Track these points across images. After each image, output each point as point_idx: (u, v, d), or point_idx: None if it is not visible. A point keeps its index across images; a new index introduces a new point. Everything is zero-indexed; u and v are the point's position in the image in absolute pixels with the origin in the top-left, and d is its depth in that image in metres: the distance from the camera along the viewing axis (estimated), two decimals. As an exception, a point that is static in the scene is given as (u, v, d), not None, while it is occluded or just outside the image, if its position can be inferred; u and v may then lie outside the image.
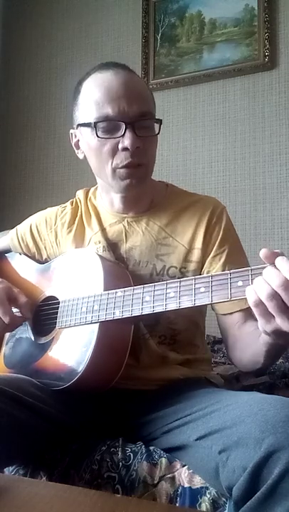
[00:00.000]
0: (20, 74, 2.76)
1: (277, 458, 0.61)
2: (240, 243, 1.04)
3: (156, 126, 0.96)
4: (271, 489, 0.60)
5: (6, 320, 0.95)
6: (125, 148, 0.90)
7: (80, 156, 1.04)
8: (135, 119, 0.90)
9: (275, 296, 0.64)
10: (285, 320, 0.64)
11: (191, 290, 0.75)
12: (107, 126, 0.91)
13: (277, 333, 0.68)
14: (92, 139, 0.94)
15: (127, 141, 0.90)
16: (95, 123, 0.92)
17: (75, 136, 1.02)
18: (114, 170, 0.94)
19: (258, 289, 0.65)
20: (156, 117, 0.98)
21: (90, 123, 0.92)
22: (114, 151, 0.92)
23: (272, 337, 0.71)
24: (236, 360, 0.96)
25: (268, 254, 0.66)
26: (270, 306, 0.64)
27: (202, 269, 0.98)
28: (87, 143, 0.97)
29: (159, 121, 0.95)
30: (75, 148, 1.05)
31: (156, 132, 0.95)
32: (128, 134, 0.90)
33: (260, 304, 0.65)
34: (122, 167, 0.92)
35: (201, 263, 0.98)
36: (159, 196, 1.06)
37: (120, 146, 0.91)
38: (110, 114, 0.90)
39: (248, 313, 0.92)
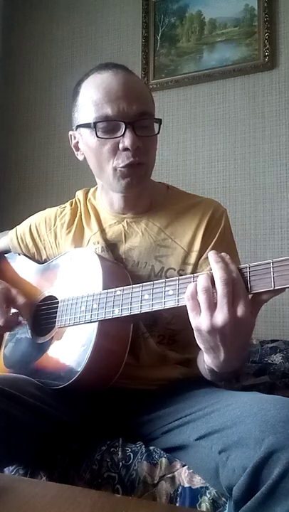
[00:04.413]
0: (20, 74, 2.76)
1: (277, 458, 0.61)
2: (236, 248, 1.02)
3: (156, 125, 0.96)
4: (271, 489, 0.60)
5: (1, 321, 0.95)
6: (126, 148, 0.90)
7: (80, 158, 1.03)
8: (135, 119, 0.90)
9: (208, 290, 0.71)
10: (208, 315, 0.70)
11: (190, 288, 0.75)
12: (107, 126, 0.91)
13: (198, 334, 0.74)
14: (92, 140, 0.93)
15: (127, 141, 0.89)
16: (95, 123, 0.91)
17: (75, 137, 1.02)
18: (114, 169, 0.93)
19: (200, 281, 0.72)
20: (156, 117, 0.98)
21: (90, 123, 0.92)
22: (114, 151, 0.92)
23: (207, 355, 0.77)
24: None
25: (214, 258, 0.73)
26: (202, 300, 0.71)
27: (196, 271, 0.98)
28: (86, 144, 0.97)
29: (159, 121, 0.95)
30: (74, 150, 1.04)
31: (156, 132, 0.95)
32: (128, 134, 0.89)
33: (194, 297, 0.72)
34: (122, 167, 0.92)
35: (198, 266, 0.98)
36: (158, 197, 1.05)
37: (121, 145, 0.91)
38: (110, 114, 0.90)
39: None
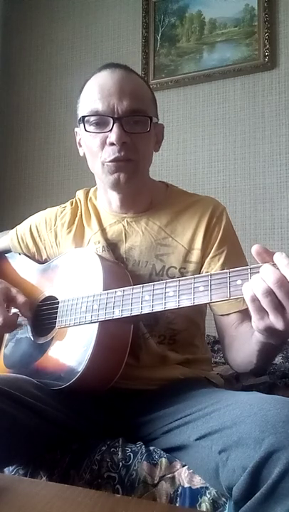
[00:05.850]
0: (21, 74, 2.76)
1: (277, 458, 0.61)
2: (240, 244, 1.04)
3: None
4: (271, 489, 0.60)
5: (1, 320, 0.95)
6: (112, 143, 0.92)
7: (81, 153, 1.06)
8: (124, 115, 0.92)
9: (270, 293, 0.65)
10: (278, 317, 0.66)
11: (190, 289, 0.75)
12: (96, 120, 0.94)
13: (270, 331, 0.69)
14: (85, 134, 0.97)
15: (113, 136, 0.91)
16: (84, 117, 0.95)
17: (78, 134, 1.04)
18: (103, 164, 0.95)
19: (255, 285, 0.66)
20: (157, 118, 0.98)
21: (81, 117, 0.96)
22: (102, 146, 0.94)
23: (264, 335, 0.72)
24: (231, 360, 0.97)
25: (259, 251, 0.68)
26: (265, 303, 0.65)
27: (201, 269, 0.98)
28: (83, 139, 1.00)
29: (149, 119, 0.95)
30: (78, 146, 1.06)
31: (148, 129, 0.95)
32: (115, 129, 0.91)
33: (256, 299, 0.66)
34: (109, 161, 0.94)
35: (201, 264, 0.98)
36: (158, 196, 1.06)
37: (108, 140, 0.93)
38: (99, 110, 0.93)
39: (245, 314, 0.92)
